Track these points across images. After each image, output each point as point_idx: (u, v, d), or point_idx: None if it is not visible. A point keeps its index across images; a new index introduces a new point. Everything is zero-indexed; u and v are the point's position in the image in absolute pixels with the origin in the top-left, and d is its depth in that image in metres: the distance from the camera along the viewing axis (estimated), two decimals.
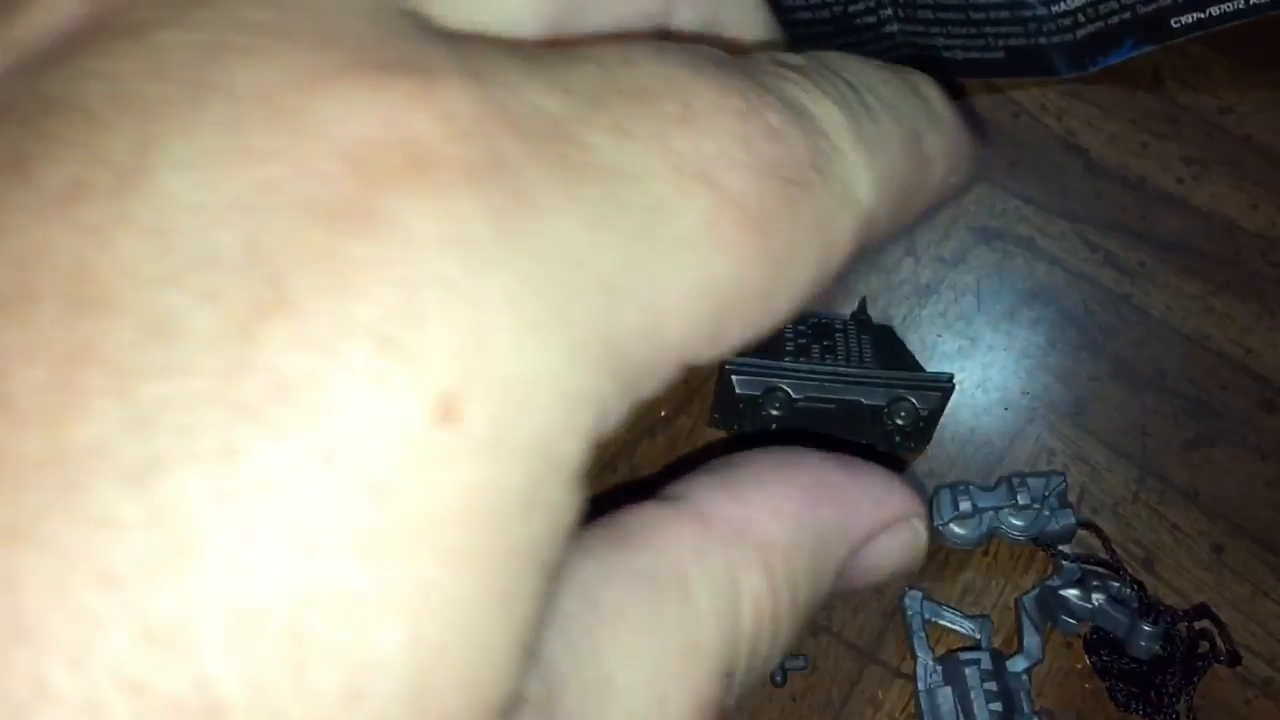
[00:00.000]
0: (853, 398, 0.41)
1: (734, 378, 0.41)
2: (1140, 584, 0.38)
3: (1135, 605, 0.37)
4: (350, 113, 0.12)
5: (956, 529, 0.39)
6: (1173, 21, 0.48)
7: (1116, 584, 0.37)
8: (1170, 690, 0.36)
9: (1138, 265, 0.45)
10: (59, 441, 0.11)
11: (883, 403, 0.41)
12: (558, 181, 0.13)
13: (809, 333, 0.43)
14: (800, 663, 0.38)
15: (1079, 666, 0.38)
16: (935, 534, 0.39)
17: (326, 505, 0.11)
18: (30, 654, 0.10)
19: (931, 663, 0.37)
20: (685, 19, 0.20)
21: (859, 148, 0.16)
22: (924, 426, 0.41)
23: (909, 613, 0.38)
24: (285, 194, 0.12)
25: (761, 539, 0.18)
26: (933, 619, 0.38)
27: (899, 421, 0.40)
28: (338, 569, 0.11)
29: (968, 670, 0.36)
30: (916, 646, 0.37)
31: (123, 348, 0.11)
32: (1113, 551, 0.38)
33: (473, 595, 0.12)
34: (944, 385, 0.41)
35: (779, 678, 0.39)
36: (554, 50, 0.15)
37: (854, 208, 0.16)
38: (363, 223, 0.12)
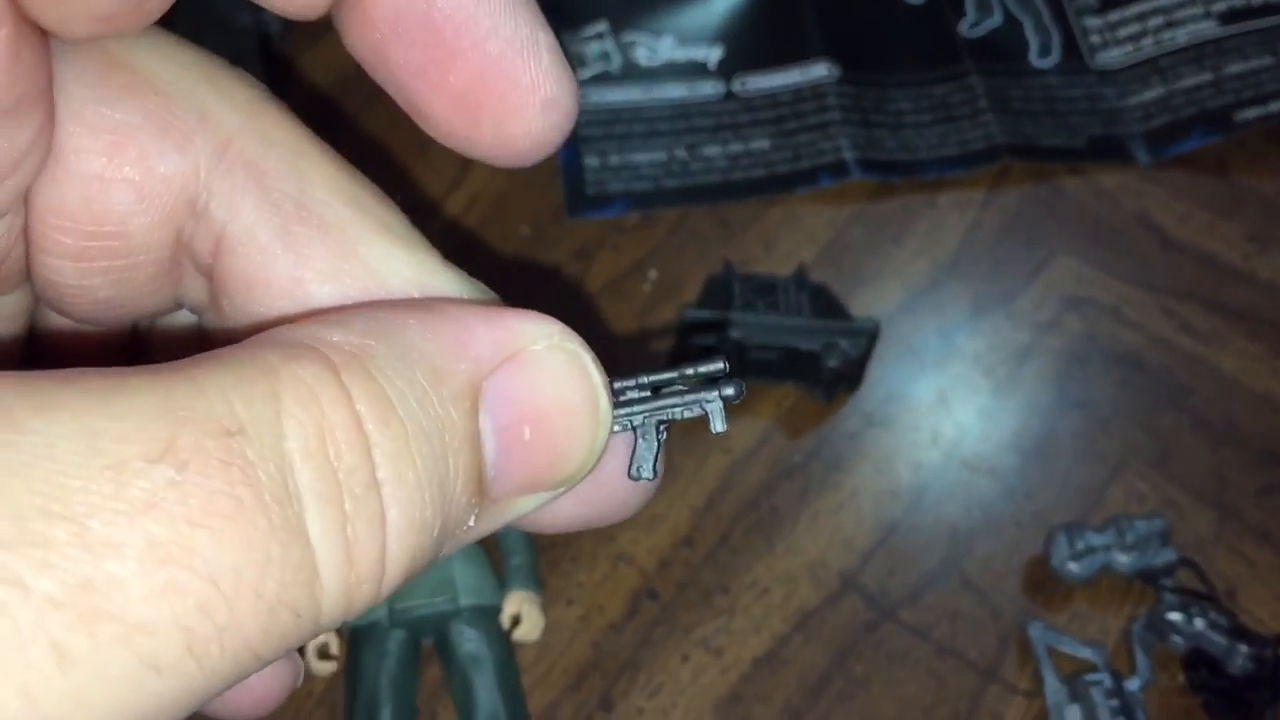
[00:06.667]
0: (792, 344, 0.48)
1: (691, 326, 0.49)
2: (1232, 612, 0.44)
3: (1229, 630, 0.43)
4: None
5: (1072, 566, 0.45)
6: (1236, 116, 0.54)
7: (1213, 612, 0.43)
8: (1260, 704, 0.42)
9: (1210, 331, 0.51)
10: None
11: (818, 348, 0.48)
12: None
13: (755, 289, 0.51)
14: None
15: (1178, 685, 0.44)
16: (1053, 571, 0.45)
17: None
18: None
19: (1058, 684, 0.43)
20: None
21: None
22: (855, 368, 0.49)
23: (1034, 639, 0.44)
24: None
25: (320, 341, 0.19)
26: (1054, 645, 0.44)
27: (832, 364, 0.48)
28: None
29: (1093, 690, 0.42)
30: (1043, 669, 0.43)
31: None
32: (1209, 583, 0.45)
33: None
34: (870, 330, 0.48)
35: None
36: None
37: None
38: None
